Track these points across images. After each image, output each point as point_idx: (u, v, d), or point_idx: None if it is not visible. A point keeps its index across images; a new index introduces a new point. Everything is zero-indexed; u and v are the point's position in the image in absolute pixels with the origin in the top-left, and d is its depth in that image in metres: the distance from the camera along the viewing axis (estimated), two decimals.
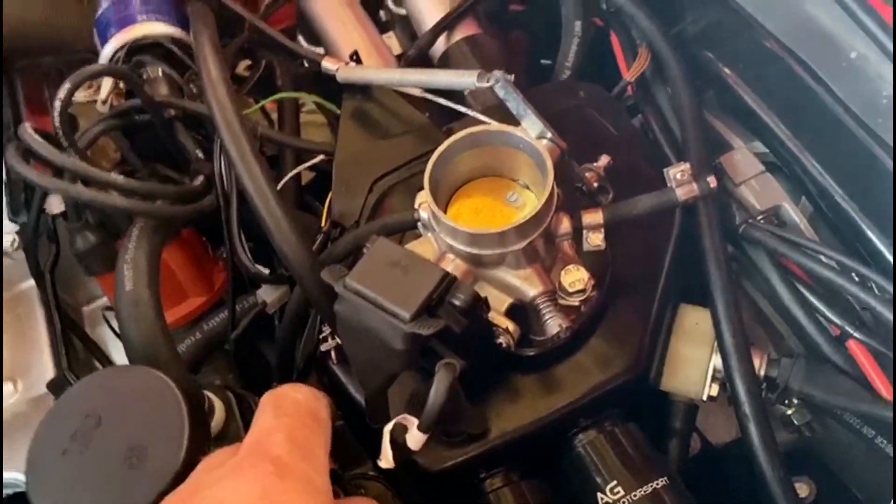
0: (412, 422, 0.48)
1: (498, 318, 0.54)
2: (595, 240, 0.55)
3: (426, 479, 0.57)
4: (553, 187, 0.52)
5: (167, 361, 0.56)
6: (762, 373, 0.61)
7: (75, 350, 0.76)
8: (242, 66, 0.85)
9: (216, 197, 0.65)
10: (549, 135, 0.56)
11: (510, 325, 0.53)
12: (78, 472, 0.47)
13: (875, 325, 0.60)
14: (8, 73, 0.83)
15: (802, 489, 0.67)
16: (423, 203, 0.56)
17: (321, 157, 0.73)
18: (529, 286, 0.54)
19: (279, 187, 0.71)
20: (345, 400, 0.61)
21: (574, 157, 0.59)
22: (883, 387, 0.58)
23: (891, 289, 0.58)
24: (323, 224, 0.67)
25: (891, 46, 0.53)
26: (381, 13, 0.98)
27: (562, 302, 0.56)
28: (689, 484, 0.62)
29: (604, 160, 0.60)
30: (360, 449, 0.66)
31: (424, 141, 0.69)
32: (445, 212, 0.57)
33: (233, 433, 0.59)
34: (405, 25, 0.93)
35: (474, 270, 0.55)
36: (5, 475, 0.65)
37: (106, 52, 0.72)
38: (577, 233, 0.56)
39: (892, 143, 0.57)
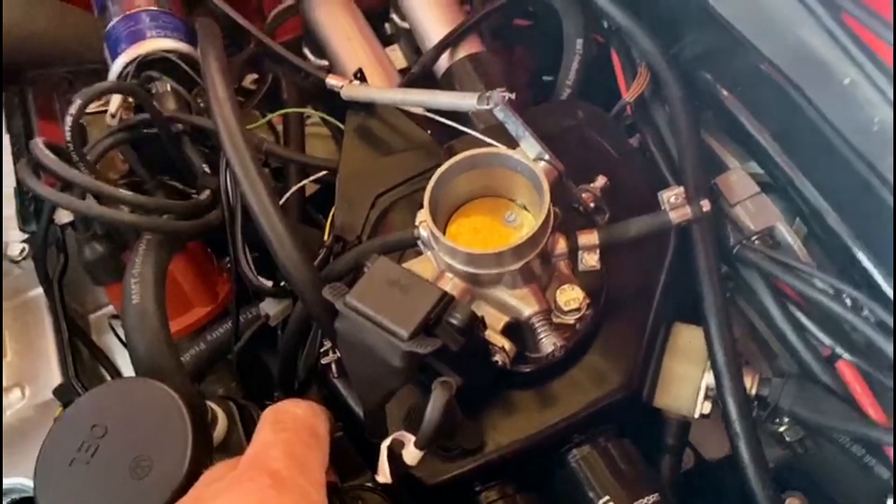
0: (409, 438, 0.50)
1: (494, 336, 0.55)
2: (590, 261, 0.57)
3: (423, 492, 0.59)
4: (549, 209, 0.54)
5: (171, 373, 0.57)
6: (753, 391, 0.62)
7: (81, 357, 0.77)
8: (249, 80, 0.86)
9: (222, 212, 0.66)
10: (547, 156, 0.57)
11: (506, 344, 0.54)
12: (84, 482, 0.49)
13: (865, 347, 0.61)
14: (19, 83, 0.85)
15: None
16: (423, 222, 0.57)
17: (324, 171, 0.74)
18: (525, 305, 0.56)
19: (283, 200, 0.73)
20: (344, 412, 0.63)
21: (572, 177, 0.60)
22: (871, 408, 0.59)
23: (880, 311, 0.59)
24: (326, 238, 0.69)
25: (883, 79, 0.54)
26: (387, 26, 0.99)
27: (557, 320, 0.58)
28: (681, 499, 0.63)
29: (600, 181, 0.61)
30: (360, 460, 0.67)
31: (426, 158, 0.71)
32: (445, 230, 0.59)
33: (234, 443, 0.61)
34: (410, 38, 0.94)
35: (472, 289, 0.56)
36: (13, 480, 0.67)
37: (116, 67, 0.73)
38: (573, 252, 0.58)
39: (883, 170, 0.58)
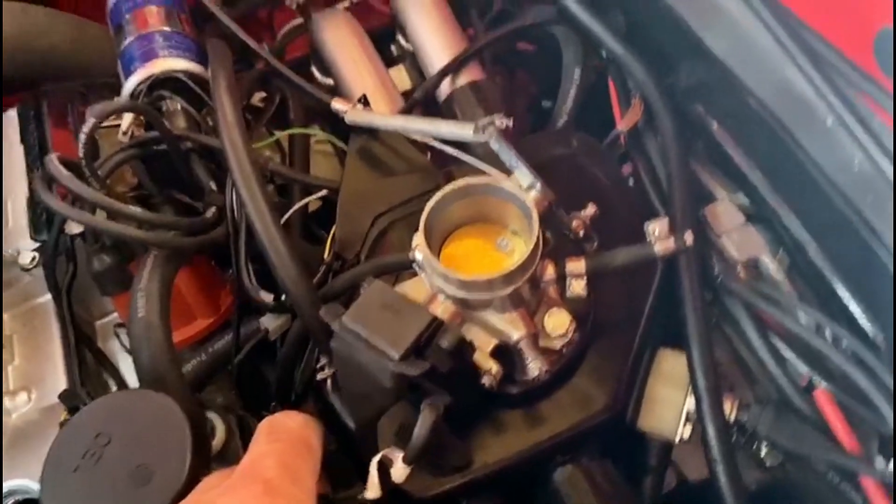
0: (398, 454, 0.52)
1: (483, 358, 0.57)
2: (577, 288, 0.59)
3: None
4: (539, 238, 0.56)
5: (173, 385, 0.60)
6: (733, 417, 0.64)
7: (87, 363, 0.79)
8: (258, 98, 0.89)
9: (226, 229, 0.69)
10: (539, 185, 0.60)
11: (494, 367, 0.57)
12: (88, 488, 0.51)
13: (841, 377, 0.64)
14: (35, 96, 0.88)
15: None
16: (419, 245, 0.60)
17: (325, 191, 0.77)
18: (513, 329, 0.58)
19: (287, 217, 0.76)
20: (338, 426, 0.65)
21: (563, 204, 0.62)
22: (845, 437, 0.61)
23: (858, 345, 0.61)
24: (326, 255, 0.71)
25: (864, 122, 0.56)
26: (393, 48, 1.02)
27: (544, 344, 0.60)
28: None
29: (590, 209, 0.64)
30: (353, 473, 0.69)
31: (425, 181, 0.73)
32: (440, 252, 0.61)
33: (232, 452, 0.63)
34: (414, 60, 0.97)
35: (462, 312, 0.59)
36: (17, 481, 0.69)
37: (129, 85, 0.76)
38: (562, 279, 0.60)
39: (863, 209, 0.60)
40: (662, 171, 0.73)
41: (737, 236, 0.70)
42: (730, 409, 0.64)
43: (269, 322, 0.71)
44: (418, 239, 0.58)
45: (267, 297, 0.70)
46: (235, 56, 0.82)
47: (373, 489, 0.52)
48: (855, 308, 0.63)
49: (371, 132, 0.77)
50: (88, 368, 0.80)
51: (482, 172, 0.63)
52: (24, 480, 0.69)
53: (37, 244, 0.79)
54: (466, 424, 0.62)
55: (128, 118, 0.73)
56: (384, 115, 0.79)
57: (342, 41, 0.93)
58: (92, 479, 0.51)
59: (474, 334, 0.58)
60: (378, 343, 0.51)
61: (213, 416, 0.62)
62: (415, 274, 0.62)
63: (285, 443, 0.51)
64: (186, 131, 0.73)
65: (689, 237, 0.58)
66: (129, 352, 0.65)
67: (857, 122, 0.59)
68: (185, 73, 0.76)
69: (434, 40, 0.89)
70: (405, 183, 0.74)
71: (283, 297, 0.70)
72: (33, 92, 0.89)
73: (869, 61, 0.60)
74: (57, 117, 0.88)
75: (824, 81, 0.58)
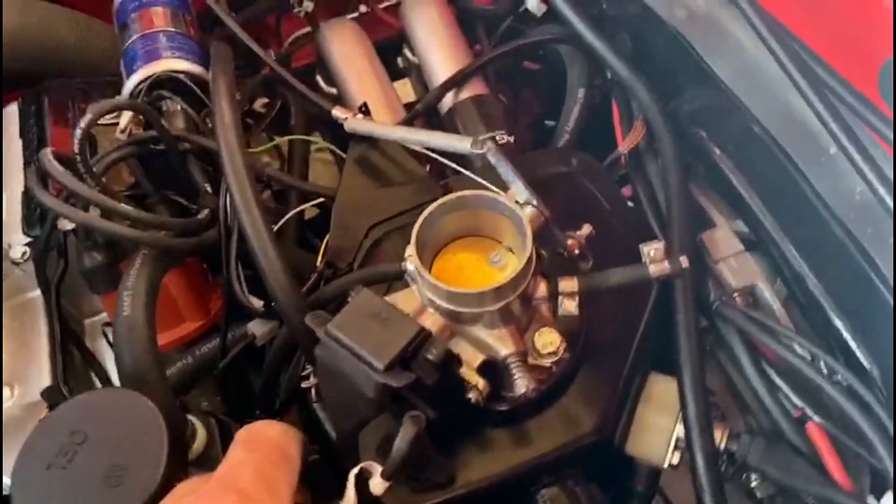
0: (377, 468, 0.51)
1: (469, 373, 0.56)
2: (569, 307, 0.58)
3: None
4: (532, 254, 0.55)
5: (154, 386, 0.59)
6: (723, 446, 0.63)
7: (73, 361, 0.79)
8: (259, 104, 0.88)
9: (218, 231, 0.68)
10: (535, 202, 0.59)
11: (480, 382, 0.56)
12: (60, 487, 0.50)
13: (835, 411, 0.62)
14: (37, 90, 0.88)
15: None
16: (410, 256, 0.59)
17: (321, 199, 0.77)
18: (502, 345, 0.57)
19: (282, 223, 0.75)
20: (321, 436, 0.64)
21: (560, 223, 0.62)
22: (836, 471, 0.60)
23: (852, 378, 0.60)
24: (318, 263, 0.70)
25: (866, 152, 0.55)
26: (399, 60, 1.02)
27: (534, 362, 0.59)
28: None
29: (586, 229, 0.63)
30: (333, 484, 0.68)
31: (422, 193, 0.73)
32: (432, 266, 0.61)
33: (212, 457, 0.62)
34: (420, 74, 0.97)
35: (451, 325, 0.58)
36: None
37: (130, 84, 0.76)
38: (554, 297, 0.59)
39: (863, 240, 0.59)
40: (662, 194, 0.73)
41: (734, 263, 0.70)
42: (720, 437, 0.63)
43: (257, 328, 0.71)
44: (410, 249, 0.57)
45: (257, 303, 0.70)
46: (241, 62, 0.82)
47: (348, 501, 0.51)
48: (852, 341, 0.62)
49: (371, 142, 0.77)
50: (75, 367, 0.80)
51: (480, 187, 0.62)
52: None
53: (29, 239, 0.79)
54: (451, 441, 0.61)
55: (126, 116, 0.72)
56: (384, 125, 0.78)
57: (348, 52, 0.93)
58: (64, 478, 0.50)
59: (462, 349, 0.57)
60: (363, 352, 0.50)
61: (194, 420, 0.61)
62: (407, 286, 0.62)
63: (263, 452, 0.50)
64: (184, 132, 0.73)
65: (684, 261, 0.57)
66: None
67: (860, 152, 0.58)
68: (187, 74, 0.76)
69: (440, 54, 0.89)
70: (402, 194, 0.73)
71: (273, 304, 0.69)
72: (35, 88, 0.88)
73: (874, 93, 0.59)
74: (57, 114, 0.87)
75: (828, 110, 0.57)
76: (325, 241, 0.72)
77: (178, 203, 0.76)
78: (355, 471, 0.51)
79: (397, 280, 0.62)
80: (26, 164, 0.84)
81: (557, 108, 0.89)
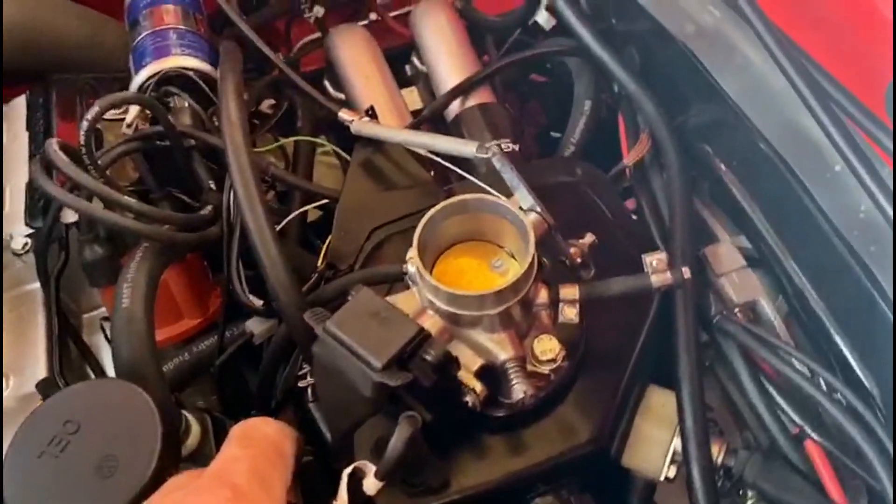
0: (370, 468, 0.50)
1: (467, 377, 0.56)
2: (569, 314, 0.58)
3: None
4: (534, 259, 0.55)
5: (150, 378, 0.58)
6: (720, 461, 0.63)
7: (70, 355, 0.78)
8: (266, 105, 0.89)
9: (221, 228, 0.68)
10: (538, 209, 0.59)
11: (478, 386, 0.55)
12: (51, 476, 0.50)
13: (834, 429, 0.62)
14: (44, 84, 0.88)
15: None
16: (412, 257, 0.59)
17: (325, 200, 0.76)
18: (501, 350, 0.57)
19: (285, 224, 0.75)
20: (316, 436, 0.64)
21: (563, 231, 0.62)
22: (834, 490, 0.59)
23: (851, 396, 0.60)
24: (320, 264, 0.70)
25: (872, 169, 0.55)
26: (407, 68, 1.02)
27: (532, 369, 0.59)
28: None
29: (589, 238, 0.63)
30: (328, 483, 0.68)
31: (425, 197, 0.72)
32: (433, 269, 0.60)
33: (206, 454, 0.62)
34: (427, 82, 0.97)
35: (451, 328, 0.57)
36: None
37: (138, 79, 0.76)
38: (554, 304, 0.59)
39: (866, 258, 0.59)
40: (665, 207, 0.73)
41: (736, 279, 0.70)
42: (718, 452, 0.63)
43: (255, 326, 0.70)
44: (412, 251, 0.57)
45: (256, 302, 0.69)
46: (250, 64, 0.82)
47: (341, 501, 0.50)
48: (853, 359, 0.62)
49: (376, 145, 0.77)
50: (71, 360, 0.79)
51: (484, 192, 0.62)
52: None
53: (31, 230, 0.79)
54: (446, 445, 0.60)
55: (133, 111, 0.73)
56: (389, 127, 0.78)
57: (356, 57, 0.93)
58: (56, 467, 0.50)
59: (461, 352, 0.57)
60: (361, 350, 0.50)
61: (188, 416, 0.61)
62: (408, 288, 0.62)
63: (258, 448, 0.50)
64: (190, 128, 0.73)
65: (686, 271, 0.57)
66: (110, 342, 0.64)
67: (866, 168, 0.58)
68: (196, 71, 0.76)
69: (448, 62, 0.90)
70: (405, 198, 0.73)
71: (273, 302, 0.69)
72: (43, 82, 0.89)
73: (881, 113, 0.59)
74: (64, 108, 0.88)
75: (835, 126, 0.57)
76: (326, 242, 0.72)
77: (182, 200, 0.76)
78: (349, 470, 0.51)
79: (398, 281, 0.62)
80: (31, 156, 0.84)
81: (563, 120, 0.89)
